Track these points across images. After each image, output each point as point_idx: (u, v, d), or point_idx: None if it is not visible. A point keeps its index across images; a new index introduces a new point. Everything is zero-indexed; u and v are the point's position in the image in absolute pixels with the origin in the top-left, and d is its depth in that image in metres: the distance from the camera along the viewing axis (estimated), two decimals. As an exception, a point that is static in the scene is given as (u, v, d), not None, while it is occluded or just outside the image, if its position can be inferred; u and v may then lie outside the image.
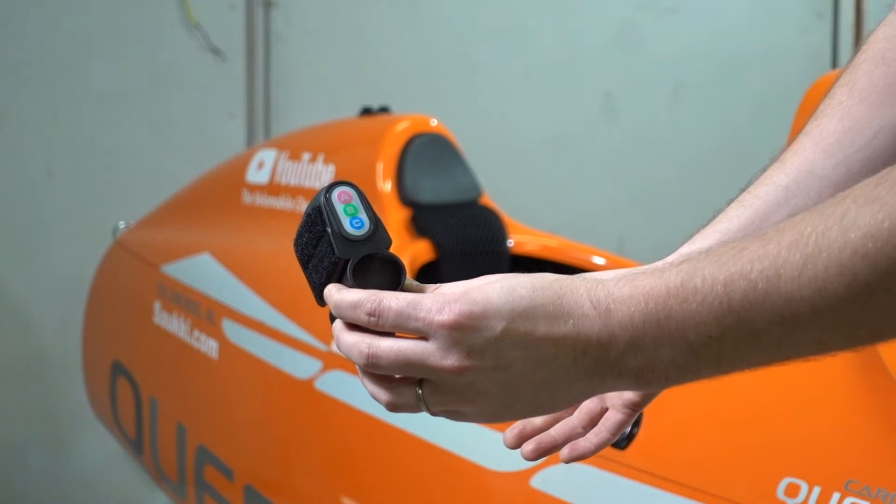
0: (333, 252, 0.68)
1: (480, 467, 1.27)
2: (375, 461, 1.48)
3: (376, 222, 0.69)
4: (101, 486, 3.01)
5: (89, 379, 2.48)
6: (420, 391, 0.66)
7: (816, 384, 1.01)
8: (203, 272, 1.97)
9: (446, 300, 0.64)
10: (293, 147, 2.01)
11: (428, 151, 1.82)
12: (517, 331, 0.63)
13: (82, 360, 2.52)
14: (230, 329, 1.83)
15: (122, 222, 2.43)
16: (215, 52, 3.00)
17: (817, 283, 0.53)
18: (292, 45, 3.07)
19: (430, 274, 1.74)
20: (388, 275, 0.68)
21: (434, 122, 1.86)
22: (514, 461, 1.23)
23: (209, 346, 1.88)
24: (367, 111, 2.05)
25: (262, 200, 2.01)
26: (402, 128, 1.82)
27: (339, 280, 0.69)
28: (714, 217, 0.79)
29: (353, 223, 0.69)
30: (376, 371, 0.66)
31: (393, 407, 0.68)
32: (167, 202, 2.38)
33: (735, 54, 3.42)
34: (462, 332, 0.63)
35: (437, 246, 1.73)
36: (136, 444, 2.19)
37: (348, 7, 3.14)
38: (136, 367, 2.20)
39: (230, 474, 1.80)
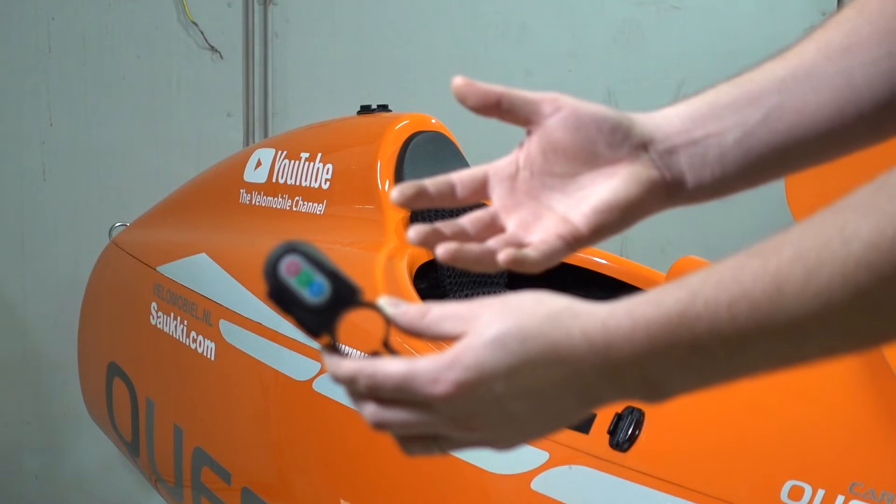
0: (307, 326, 0.67)
1: (481, 470, 1.26)
2: (374, 463, 1.47)
3: (334, 276, 0.67)
4: (97, 488, 3.01)
5: (85, 380, 2.47)
6: (433, 441, 0.67)
7: (820, 386, 1.00)
8: (200, 272, 1.96)
9: (439, 369, 0.63)
10: (291, 146, 2.00)
11: (428, 150, 1.81)
12: (517, 385, 0.62)
13: (78, 362, 2.51)
14: (227, 330, 1.83)
15: (118, 222, 2.42)
16: (212, 50, 2.99)
17: (821, 297, 0.53)
18: (290, 43, 3.06)
19: (430, 274, 1.73)
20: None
21: (434, 121, 1.85)
22: (516, 464, 1.22)
23: (206, 347, 1.87)
24: (365, 109, 2.04)
25: (260, 200, 2.00)
26: (401, 126, 1.81)
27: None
28: (702, 91, 0.76)
29: (311, 292, 0.66)
30: (388, 431, 0.67)
31: (409, 454, 0.68)
32: (163, 202, 2.37)
33: (737, 52, 3.41)
34: (462, 399, 0.63)
35: (437, 246, 1.72)
36: (133, 446, 2.18)
37: (347, 5, 3.13)
38: (132, 369, 2.19)
39: (227, 477, 1.79)
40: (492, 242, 0.71)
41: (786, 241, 0.55)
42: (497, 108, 0.71)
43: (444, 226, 0.71)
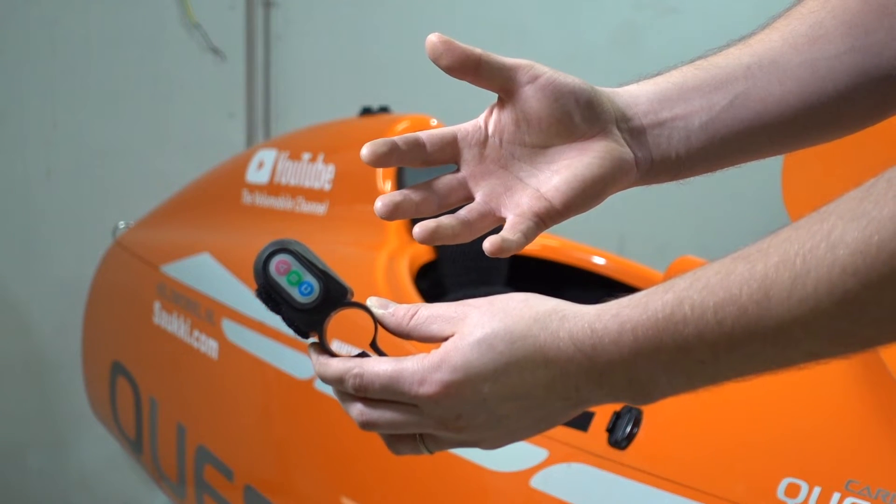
0: (296, 325, 0.68)
1: (480, 467, 1.27)
2: (375, 461, 1.47)
3: (325, 277, 0.67)
4: (101, 486, 3.01)
5: (89, 379, 2.48)
6: (420, 441, 0.67)
7: (816, 384, 1.01)
8: (203, 272, 1.97)
9: (427, 369, 0.63)
10: (293, 147, 2.01)
11: (428, 151, 1.81)
12: (504, 386, 0.63)
13: (82, 361, 2.52)
14: (230, 329, 1.83)
15: (121, 222, 2.43)
16: (215, 51, 3.00)
17: (808, 302, 0.53)
18: (292, 44, 3.07)
19: (430, 274, 1.74)
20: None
21: (434, 122, 1.86)
22: (515, 461, 1.22)
23: (209, 346, 1.88)
24: (367, 111, 2.05)
25: (262, 200, 2.01)
26: (401, 128, 1.81)
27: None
28: (665, 71, 0.76)
29: (301, 291, 0.67)
30: (375, 431, 0.67)
31: (396, 453, 0.69)
32: (167, 202, 2.38)
33: (735, 54, 3.41)
34: (448, 400, 0.63)
35: (437, 246, 1.73)
36: (136, 444, 2.18)
37: (348, 7, 3.14)
38: (135, 368, 2.20)
39: (230, 474, 1.79)
40: (464, 213, 0.70)
41: (772, 246, 0.55)
42: (474, 71, 0.69)
43: (412, 192, 0.71)
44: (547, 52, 3.30)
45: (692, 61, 0.74)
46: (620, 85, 0.75)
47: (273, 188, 1.99)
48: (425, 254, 1.71)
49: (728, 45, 0.75)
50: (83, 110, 2.92)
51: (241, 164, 2.12)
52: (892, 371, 0.93)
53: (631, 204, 3.41)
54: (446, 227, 0.69)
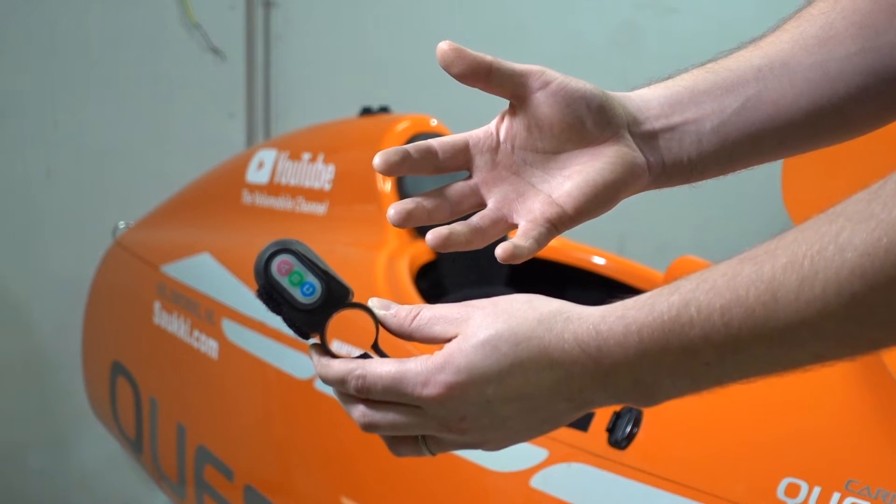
0: (296, 326, 0.67)
1: (480, 467, 1.27)
2: (375, 461, 1.47)
3: (326, 278, 0.67)
4: (101, 486, 3.01)
5: (89, 379, 2.48)
6: (422, 443, 0.67)
7: (817, 384, 1.01)
8: (203, 272, 1.97)
9: (430, 371, 0.63)
10: (293, 147, 2.01)
11: (428, 151, 1.81)
12: (508, 387, 0.62)
13: (82, 361, 2.52)
14: (230, 329, 1.83)
15: (121, 222, 2.43)
16: (215, 51, 3.00)
17: (816, 304, 0.52)
18: (292, 45, 3.07)
19: (430, 274, 1.74)
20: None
21: (434, 122, 1.86)
22: (515, 461, 1.23)
23: (209, 347, 1.88)
24: (367, 111, 2.05)
25: (262, 200, 2.01)
26: (402, 128, 1.82)
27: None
28: (676, 75, 0.75)
29: (303, 291, 0.66)
30: (377, 433, 0.67)
31: (398, 455, 0.69)
32: (167, 202, 2.38)
33: (735, 54, 3.41)
34: (452, 402, 0.63)
35: (437, 246, 1.73)
36: (136, 444, 2.19)
37: (348, 7, 3.14)
38: (135, 368, 2.20)
39: (230, 474, 1.80)
40: (476, 220, 0.70)
41: (780, 248, 0.54)
42: (485, 79, 0.69)
43: (424, 199, 0.70)
44: (547, 52, 3.30)
45: (703, 64, 0.74)
46: (631, 89, 0.75)
47: (273, 188, 1.99)
48: (425, 254, 1.71)
49: (738, 48, 0.74)
50: (83, 110, 2.92)
51: (241, 164, 2.12)
52: (892, 372, 0.94)
53: (631, 204, 3.41)
54: (459, 234, 0.69)
